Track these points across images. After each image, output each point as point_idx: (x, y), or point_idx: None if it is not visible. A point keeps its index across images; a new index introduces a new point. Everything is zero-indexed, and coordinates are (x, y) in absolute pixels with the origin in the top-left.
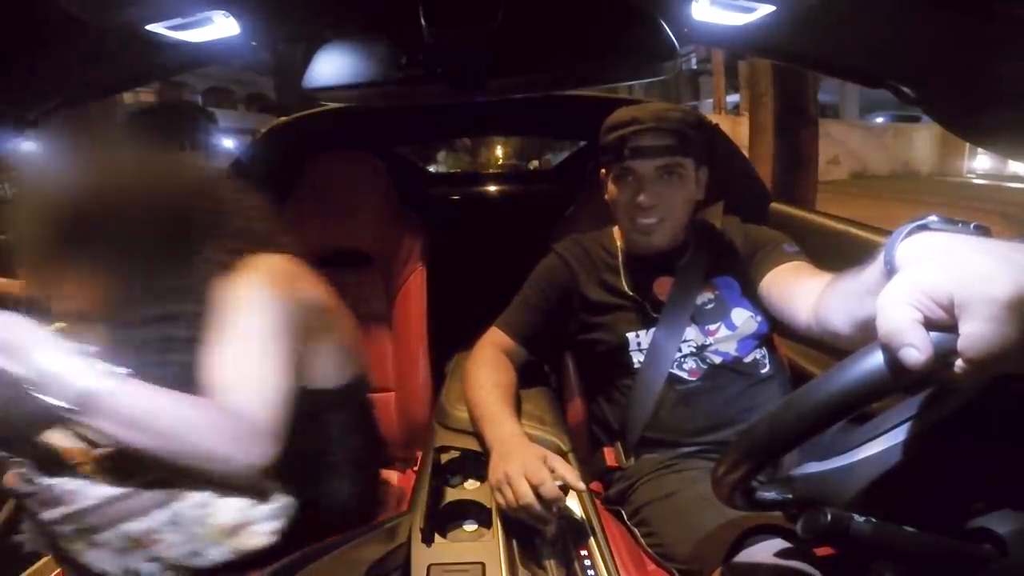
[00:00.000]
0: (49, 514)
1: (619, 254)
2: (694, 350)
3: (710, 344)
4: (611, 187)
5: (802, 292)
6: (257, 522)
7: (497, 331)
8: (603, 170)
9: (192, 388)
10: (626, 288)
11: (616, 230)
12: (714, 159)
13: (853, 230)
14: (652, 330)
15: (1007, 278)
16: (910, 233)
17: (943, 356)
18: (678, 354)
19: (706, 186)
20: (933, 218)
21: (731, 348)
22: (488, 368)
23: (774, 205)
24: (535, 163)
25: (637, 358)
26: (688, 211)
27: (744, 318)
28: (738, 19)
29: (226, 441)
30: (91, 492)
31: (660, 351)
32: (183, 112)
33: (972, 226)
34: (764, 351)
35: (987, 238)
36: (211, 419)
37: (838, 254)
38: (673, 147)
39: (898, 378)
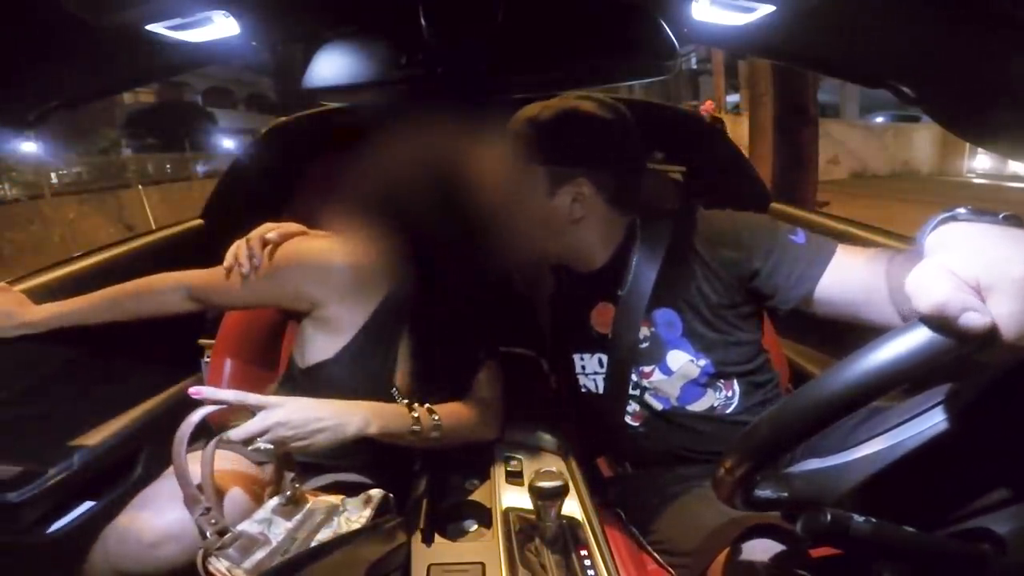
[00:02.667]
0: None
1: (562, 270)
2: (633, 390)
3: (647, 387)
4: None
5: (867, 290)
6: None
7: None
8: None
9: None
10: (567, 309)
11: None
12: (714, 159)
13: (853, 230)
14: (596, 356)
15: None
16: (940, 223)
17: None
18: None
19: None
20: (962, 210)
21: (671, 395)
22: None
23: (774, 205)
24: None
25: (583, 381)
26: (549, 227)
27: (682, 362)
28: (738, 19)
29: (481, 428)
30: None
31: (615, 385)
32: (184, 112)
33: (1000, 216)
34: (727, 391)
35: (1014, 227)
36: (478, 416)
37: None
38: (514, 154)
39: (960, 345)
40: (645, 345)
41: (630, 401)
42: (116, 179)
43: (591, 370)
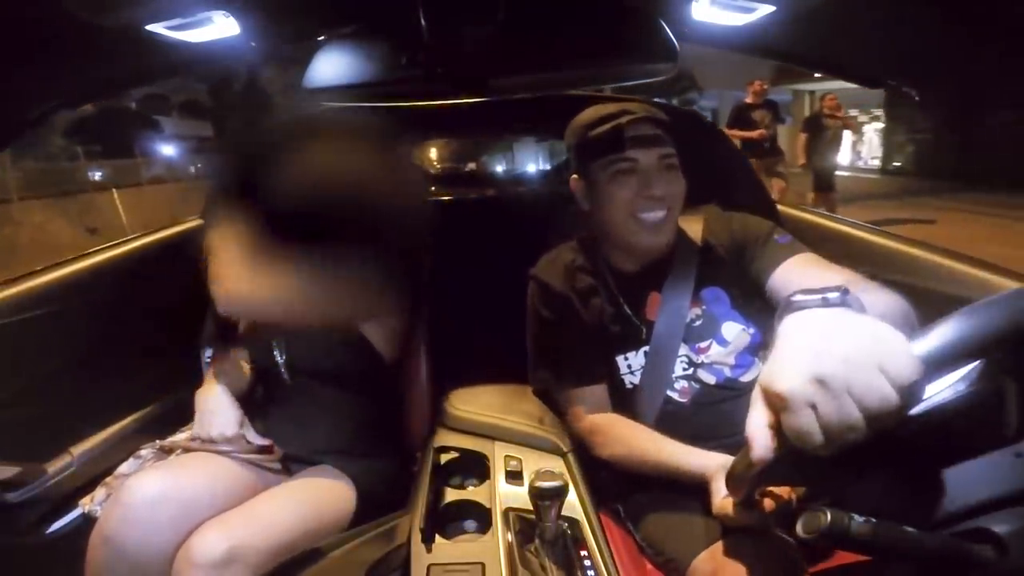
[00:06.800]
0: None
1: (603, 272)
2: (685, 369)
3: (702, 362)
4: (606, 187)
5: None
6: None
7: (572, 393)
8: (576, 176)
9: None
10: (613, 310)
11: (593, 246)
12: (714, 160)
13: (855, 231)
14: (643, 351)
15: (790, 373)
16: (784, 311)
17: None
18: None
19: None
20: (798, 297)
21: (725, 366)
22: (608, 428)
23: (780, 208)
24: None
25: (629, 379)
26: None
27: (736, 332)
28: (738, 19)
29: None
30: None
31: (656, 372)
32: (129, 119)
33: (822, 298)
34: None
35: (839, 311)
36: None
37: (838, 255)
38: (666, 138)
39: None
40: (698, 323)
41: (678, 379)
42: (71, 184)
43: (637, 366)
